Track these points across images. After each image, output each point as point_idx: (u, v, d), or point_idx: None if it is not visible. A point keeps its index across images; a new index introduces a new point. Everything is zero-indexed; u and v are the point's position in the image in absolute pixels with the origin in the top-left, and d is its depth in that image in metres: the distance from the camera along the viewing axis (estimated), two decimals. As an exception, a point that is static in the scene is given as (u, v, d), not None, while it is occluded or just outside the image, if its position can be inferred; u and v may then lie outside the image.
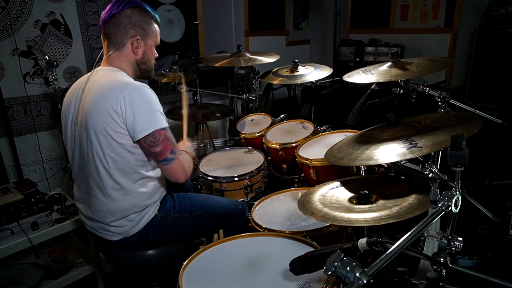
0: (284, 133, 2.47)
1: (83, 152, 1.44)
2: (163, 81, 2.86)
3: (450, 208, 0.93)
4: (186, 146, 1.73)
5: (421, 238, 1.17)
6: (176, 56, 3.19)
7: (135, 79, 1.48)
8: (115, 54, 1.49)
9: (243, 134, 2.58)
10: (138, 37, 1.49)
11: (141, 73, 1.58)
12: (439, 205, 0.94)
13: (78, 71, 2.89)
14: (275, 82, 2.54)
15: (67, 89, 2.38)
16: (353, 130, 2.08)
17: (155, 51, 1.60)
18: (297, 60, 2.64)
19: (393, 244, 0.81)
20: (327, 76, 2.47)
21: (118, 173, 1.43)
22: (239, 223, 1.74)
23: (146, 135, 1.36)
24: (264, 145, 2.37)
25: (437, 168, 1.46)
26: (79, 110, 1.45)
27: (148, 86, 1.42)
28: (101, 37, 1.53)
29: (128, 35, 1.48)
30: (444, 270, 1.04)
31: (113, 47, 1.49)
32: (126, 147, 1.39)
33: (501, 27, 3.24)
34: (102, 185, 1.44)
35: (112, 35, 1.48)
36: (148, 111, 1.37)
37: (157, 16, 1.56)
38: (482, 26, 3.41)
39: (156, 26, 1.56)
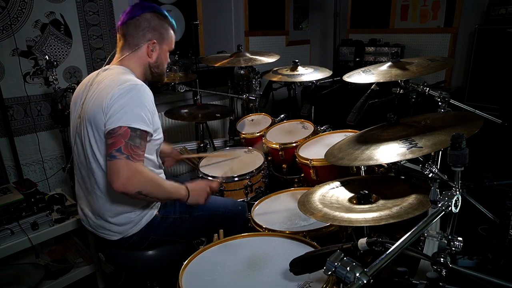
0: (284, 133, 2.47)
1: (83, 150, 1.45)
2: (163, 81, 2.86)
3: (450, 208, 0.93)
4: (195, 185, 1.56)
5: (421, 238, 1.17)
6: (176, 56, 3.19)
7: (145, 82, 1.47)
8: (129, 55, 1.51)
9: (243, 134, 2.58)
10: (155, 41, 1.51)
11: (152, 77, 1.59)
12: (439, 205, 0.94)
13: (78, 71, 2.89)
14: (274, 79, 2.54)
15: (67, 89, 2.39)
16: (353, 130, 2.09)
17: (168, 56, 1.62)
18: (297, 60, 2.64)
19: (393, 244, 0.81)
20: (327, 76, 2.47)
21: None
22: (239, 223, 1.74)
23: (110, 129, 1.29)
24: (264, 145, 2.37)
25: (437, 168, 1.46)
26: (81, 108, 1.45)
27: (147, 87, 1.39)
28: (117, 36, 1.55)
29: (145, 37, 1.50)
30: (444, 270, 1.04)
31: (128, 47, 1.51)
32: None
33: (501, 27, 3.24)
34: (100, 183, 1.44)
35: (130, 36, 1.49)
36: (126, 107, 1.29)
37: (173, 22, 1.59)
38: (482, 26, 3.41)
39: (172, 32, 1.58)
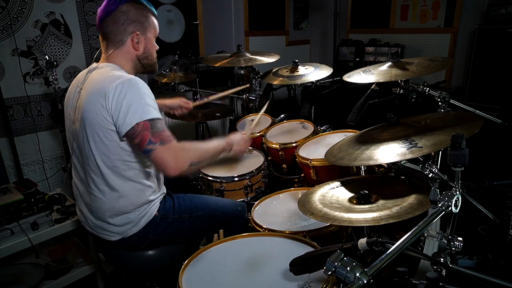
0: (284, 133, 2.47)
1: (81, 150, 1.45)
2: (163, 81, 2.86)
3: (450, 208, 0.93)
4: (232, 139, 1.68)
5: (421, 238, 1.17)
6: (176, 56, 3.19)
7: (138, 75, 1.47)
8: (115, 52, 1.48)
9: (243, 134, 2.57)
10: (138, 32, 1.48)
11: (143, 68, 1.57)
12: (439, 205, 0.94)
13: (78, 71, 2.89)
14: (275, 82, 2.54)
15: (67, 89, 2.39)
16: (353, 130, 2.09)
17: (155, 43, 1.59)
18: (297, 60, 2.64)
19: (393, 244, 0.81)
20: (327, 76, 2.47)
21: (113, 171, 1.43)
22: (238, 224, 1.74)
23: (128, 130, 1.32)
24: (264, 145, 2.37)
25: (437, 168, 1.46)
26: (76, 108, 1.45)
27: (139, 79, 1.39)
28: (99, 35, 1.52)
29: (126, 31, 1.46)
30: (444, 270, 1.04)
31: (113, 45, 1.48)
32: (119, 145, 1.39)
33: (501, 27, 3.24)
34: (99, 184, 1.44)
35: (111, 33, 1.46)
36: (133, 104, 1.32)
37: (153, 8, 1.55)
38: (482, 26, 3.41)
39: (153, 18, 1.55)
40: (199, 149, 1.48)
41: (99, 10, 1.47)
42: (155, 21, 1.56)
